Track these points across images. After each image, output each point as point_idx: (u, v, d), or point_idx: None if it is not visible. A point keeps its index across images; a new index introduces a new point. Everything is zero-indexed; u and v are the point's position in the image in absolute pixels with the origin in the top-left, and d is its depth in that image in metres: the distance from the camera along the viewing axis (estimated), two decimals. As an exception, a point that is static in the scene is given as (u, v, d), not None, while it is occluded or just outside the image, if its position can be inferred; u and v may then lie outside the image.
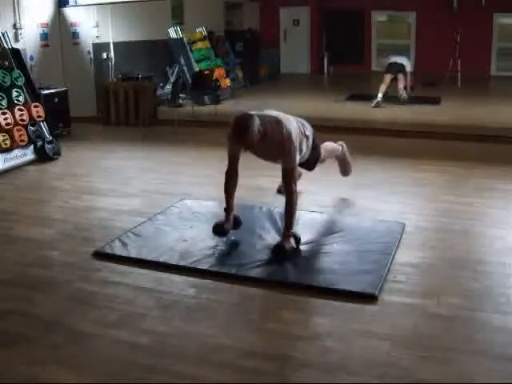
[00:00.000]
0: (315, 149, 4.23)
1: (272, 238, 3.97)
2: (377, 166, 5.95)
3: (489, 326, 2.85)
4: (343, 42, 14.48)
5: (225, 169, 3.94)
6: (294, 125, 3.84)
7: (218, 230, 3.87)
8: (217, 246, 3.87)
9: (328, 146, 4.64)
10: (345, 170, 4.95)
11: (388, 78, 9.65)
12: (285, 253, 3.63)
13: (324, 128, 7.36)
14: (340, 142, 4.86)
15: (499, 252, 3.72)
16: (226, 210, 3.94)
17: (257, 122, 3.57)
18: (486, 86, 12.68)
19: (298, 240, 3.75)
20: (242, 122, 3.57)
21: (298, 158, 3.81)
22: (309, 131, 4.08)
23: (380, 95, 9.40)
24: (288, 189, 3.77)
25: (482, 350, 2.64)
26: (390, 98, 9.60)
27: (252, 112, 3.71)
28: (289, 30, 15.14)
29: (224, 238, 3.94)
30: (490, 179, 5.34)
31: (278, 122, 3.71)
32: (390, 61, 9.88)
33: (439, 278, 3.39)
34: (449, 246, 3.86)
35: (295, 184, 3.79)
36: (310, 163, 4.34)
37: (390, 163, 6.06)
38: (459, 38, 11.87)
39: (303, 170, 4.58)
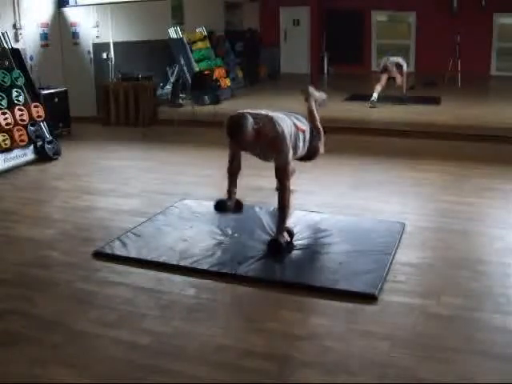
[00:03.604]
0: (313, 141, 4.24)
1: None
2: (377, 165, 5.95)
3: (489, 326, 2.85)
4: (343, 42, 14.48)
5: (224, 167, 3.96)
6: (288, 122, 3.88)
7: (221, 205, 3.87)
8: (217, 245, 3.87)
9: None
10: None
11: (384, 78, 9.68)
12: (279, 247, 3.70)
13: (324, 128, 7.39)
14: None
15: (499, 252, 3.72)
16: (228, 191, 3.95)
17: (250, 120, 3.60)
18: (486, 86, 12.68)
19: (291, 234, 3.83)
20: (236, 122, 3.61)
21: (291, 155, 3.82)
22: (305, 125, 4.11)
23: (375, 95, 9.43)
24: (282, 185, 3.83)
25: (482, 350, 2.64)
26: (390, 98, 9.60)
27: (245, 111, 3.74)
28: (289, 30, 15.13)
29: (225, 237, 3.94)
30: (489, 179, 5.34)
31: (270, 120, 3.75)
32: (386, 61, 9.96)
33: (439, 278, 3.40)
34: (449, 245, 3.86)
35: (289, 181, 3.85)
36: (309, 156, 4.37)
37: (390, 163, 6.06)
38: (459, 38, 11.87)
39: (297, 167, 4.59)
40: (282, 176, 3.80)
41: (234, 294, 3.38)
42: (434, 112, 9.05)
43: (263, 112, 3.84)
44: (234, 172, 3.97)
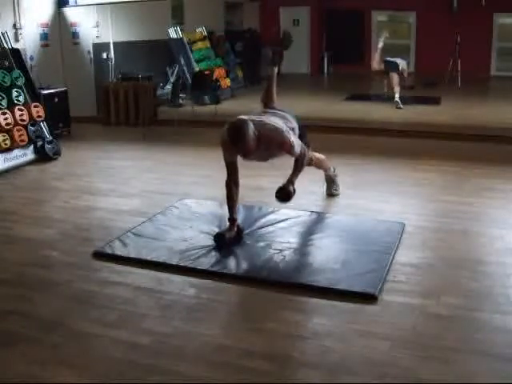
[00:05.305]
0: (303, 137, 4.26)
1: (272, 238, 3.97)
2: (377, 166, 5.95)
3: (489, 325, 2.85)
4: (343, 42, 14.48)
5: (224, 168, 3.94)
6: (280, 122, 3.95)
7: (220, 240, 3.85)
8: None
9: (319, 155, 4.66)
10: (330, 191, 4.89)
11: (380, 74, 9.69)
12: (289, 194, 3.89)
13: (324, 128, 7.40)
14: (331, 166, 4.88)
15: (499, 252, 3.71)
16: (230, 219, 3.95)
17: (251, 125, 3.63)
18: (486, 86, 12.67)
19: (293, 191, 4.00)
20: (238, 129, 3.61)
21: (299, 143, 3.94)
22: (293, 124, 4.16)
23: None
24: (302, 164, 4.04)
25: (482, 349, 2.64)
26: (391, 98, 9.59)
27: (244, 117, 3.76)
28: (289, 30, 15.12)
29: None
30: (489, 179, 5.34)
31: (265, 123, 3.80)
32: (384, 59, 9.96)
33: (439, 278, 3.40)
34: (449, 245, 3.86)
35: (310, 158, 4.22)
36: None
37: (390, 163, 6.06)
38: (459, 37, 11.87)
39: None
40: (303, 160, 4.00)
41: (234, 294, 3.38)
42: (434, 112, 9.04)
43: (257, 116, 3.90)
44: (233, 194, 3.92)
